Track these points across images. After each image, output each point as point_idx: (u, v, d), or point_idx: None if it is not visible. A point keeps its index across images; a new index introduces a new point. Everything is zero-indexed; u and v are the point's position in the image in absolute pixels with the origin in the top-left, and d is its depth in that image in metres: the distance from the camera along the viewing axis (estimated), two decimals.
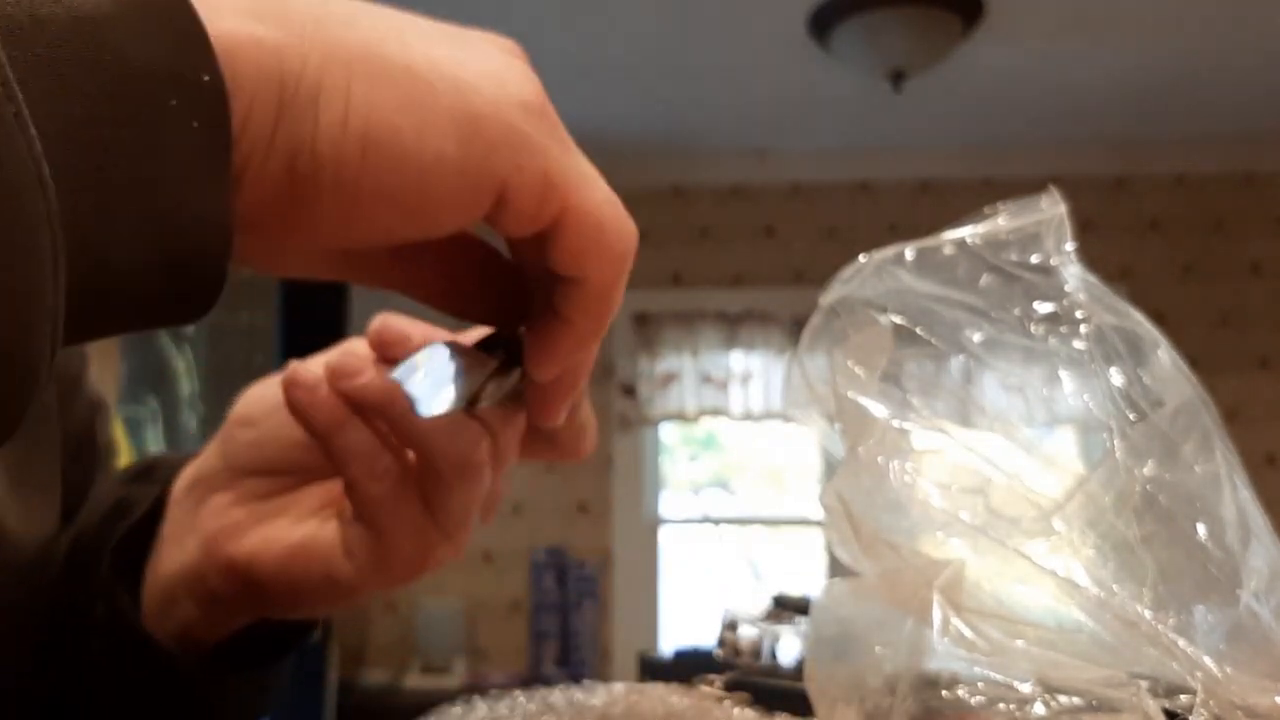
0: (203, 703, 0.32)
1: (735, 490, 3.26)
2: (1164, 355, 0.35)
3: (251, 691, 0.33)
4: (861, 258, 0.33)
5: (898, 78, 2.31)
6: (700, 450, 3.30)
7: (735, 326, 2.94)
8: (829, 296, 0.32)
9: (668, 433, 3.06)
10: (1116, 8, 2.27)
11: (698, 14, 2.30)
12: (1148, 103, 2.71)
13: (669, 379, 2.93)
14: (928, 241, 0.32)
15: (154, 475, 0.34)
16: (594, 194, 0.23)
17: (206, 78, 0.17)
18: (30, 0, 0.16)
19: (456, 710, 0.40)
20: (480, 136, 0.21)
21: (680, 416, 2.91)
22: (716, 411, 2.89)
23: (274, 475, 0.30)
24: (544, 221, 0.22)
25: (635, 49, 2.46)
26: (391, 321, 0.28)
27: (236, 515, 0.30)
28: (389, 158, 0.20)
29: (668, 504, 3.06)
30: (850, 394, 0.29)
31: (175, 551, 0.31)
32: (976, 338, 0.33)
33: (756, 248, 3.05)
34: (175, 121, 0.17)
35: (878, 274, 0.32)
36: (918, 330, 0.31)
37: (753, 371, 2.90)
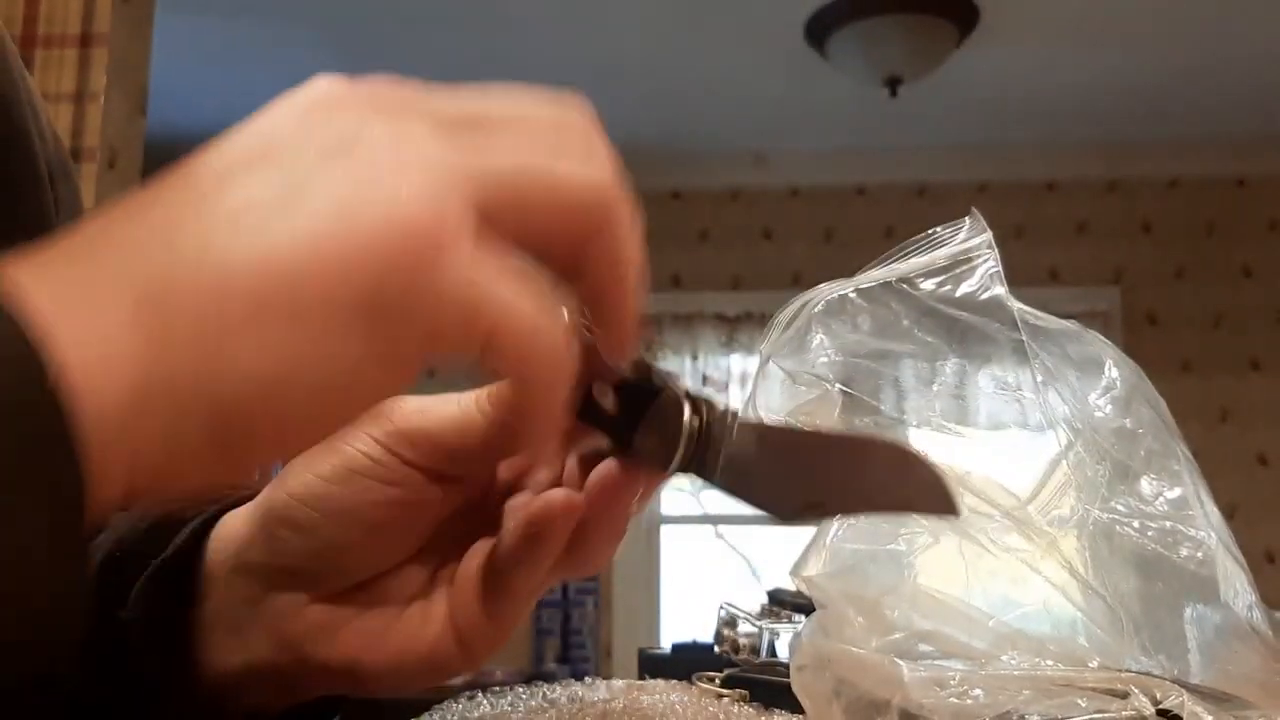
0: None
1: None
2: (1113, 370, 0.36)
3: None
4: (799, 299, 0.34)
5: (894, 83, 2.35)
6: None
7: (734, 328, 2.98)
8: (769, 345, 0.34)
9: None
10: (1109, 14, 2.31)
11: (697, 21, 2.33)
12: (1140, 107, 2.75)
13: None
14: (863, 281, 0.34)
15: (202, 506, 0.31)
16: (517, 313, 0.20)
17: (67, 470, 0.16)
18: None
19: (460, 705, 0.41)
20: (384, 318, 0.18)
21: None
22: None
23: (335, 579, 0.27)
24: (474, 350, 0.20)
25: (635, 55, 2.49)
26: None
27: (317, 618, 0.27)
28: (303, 397, 0.18)
29: (667, 503, 3.10)
30: None
31: (237, 645, 0.28)
32: (915, 398, 0.34)
33: (755, 250, 3.09)
34: (25, 515, 0.16)
35: (812, 325, 0.33)
36: (864, 396, 0.33)
37: (752, 373, 2.93)
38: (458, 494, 0.28)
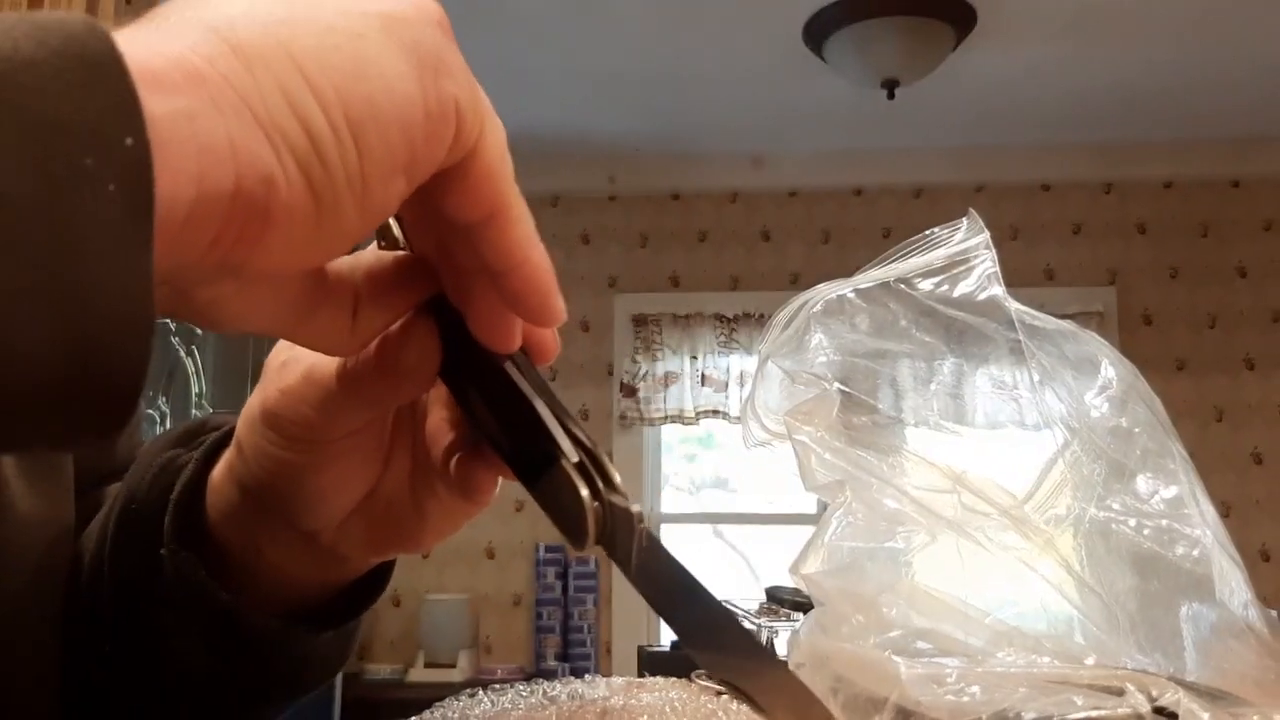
0: (288, 661, 0.33)
1: (734, 489, 3.31)
2: (1109, 370, 0.36)
3: (332, 649, 0.34)
4: (797, 299, 0.35)
5: (891, 85, 2.35)
6: (699, 449, 3.35)
7: (733, 328, 2.98)
8: (768, 344, 0.34)
9: (667, 432, 3.10)
10: (1106, 17, 2.32)
11: (696, 24, 2.34)
12: (1136, 109, 2.76)
13: (668, 380, 2.97)
14: (861, 281, 0.34)
15: (202, 437, 0.33)
16: (496, 123, 0.22)
17: (129, 140, 0.16)
18: None
19: (460, 703, 0.41)
20: (426, 66, 0.20)
21: (680, 418, 2.95)
22: (715, 412, 2.93)
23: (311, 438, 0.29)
24: (466, 150, 0.21)
25: (634, 58, 2.49)
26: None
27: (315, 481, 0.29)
28: (374, 129, 0.19)
29: (667, 502, 3.11)
30: (811, 456, 0.32)
31: (264, 539, 0.31)
32: (913, 400, 0.35)
33: (753, 251, 3.10)
34: (90, 183, 0.15)
35: (811, 325, 0.34)
36: (862, 396, 0.33)
37: (751, 373, 2.93)
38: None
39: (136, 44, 0.17)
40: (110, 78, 0.16)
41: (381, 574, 0.35)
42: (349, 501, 0.30)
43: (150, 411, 2.07)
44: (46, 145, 0.15)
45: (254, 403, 0.29)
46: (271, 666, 0.33)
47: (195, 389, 2.26)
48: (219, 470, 0.31)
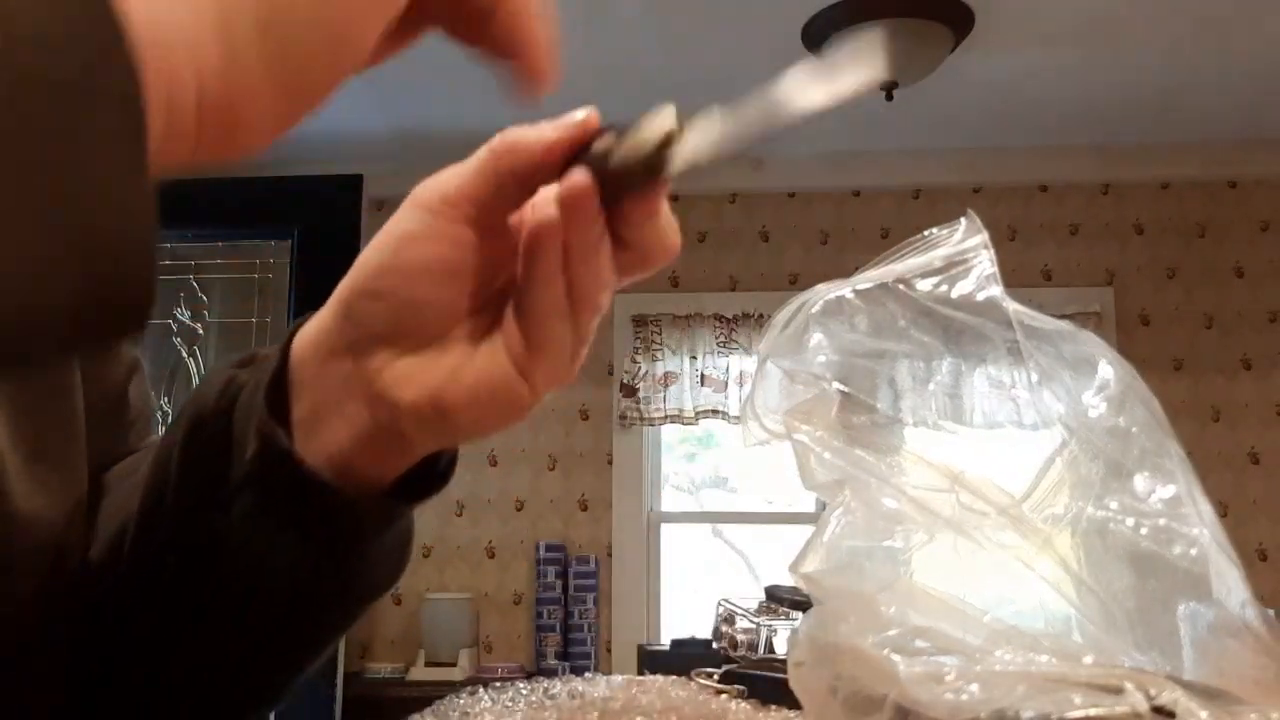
0: (362, 552, 0.33)
1: (733, 488, 3.31)
2: (1107, 370, 0.36)
3: (395, 548, 0.35)
4: (797, 300, 0.35)
5: (890, 87, 2.35)
6: (699, 449, 3.35)
7: (732, 328, 2.98)
8: (768, 344, 0.34)
9: (667, 432, 3.11)
10: (1103, 20, 2.33)
11: (696, 25, 2.34)
12: (1133, 110, 2.76)
13: (668, 380, 2.97)
14: (860, 281, 0.35)
15: (260, 362, 0.34)
16: None
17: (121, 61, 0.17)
18: None
19: (462, 701, 0.42)
20: None
21: (679, 418, 2.95)
22: (715, 412, 2.93)
23: (415, 335, 0.31)
24: None
25: (633, 59, 2.50)
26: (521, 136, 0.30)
27: (404, 368, 0.31)
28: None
29: (667, 501, 3.11)
30: (809, 454, 0.32)
31: (341, 423, 0.32)
32: (912, 399, 0.35)
33: (753, 252, 3.10)
34: (86, 107, 0.16)
35: (810, 325, 0.34)
36: (861, 395, 0.34)
37: (750, 374, 2.94)
38: (494, 242, 0.31)
39: None
40: (108, 34, 0.17)
41: (433, 470, 0.35)
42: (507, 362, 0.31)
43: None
44: (56, 104, 0.16)
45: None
46: (348, 554, 0.33)
47: None
48: (302, 347, 0.33)
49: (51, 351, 0.18)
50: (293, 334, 0.33)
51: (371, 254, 0.31)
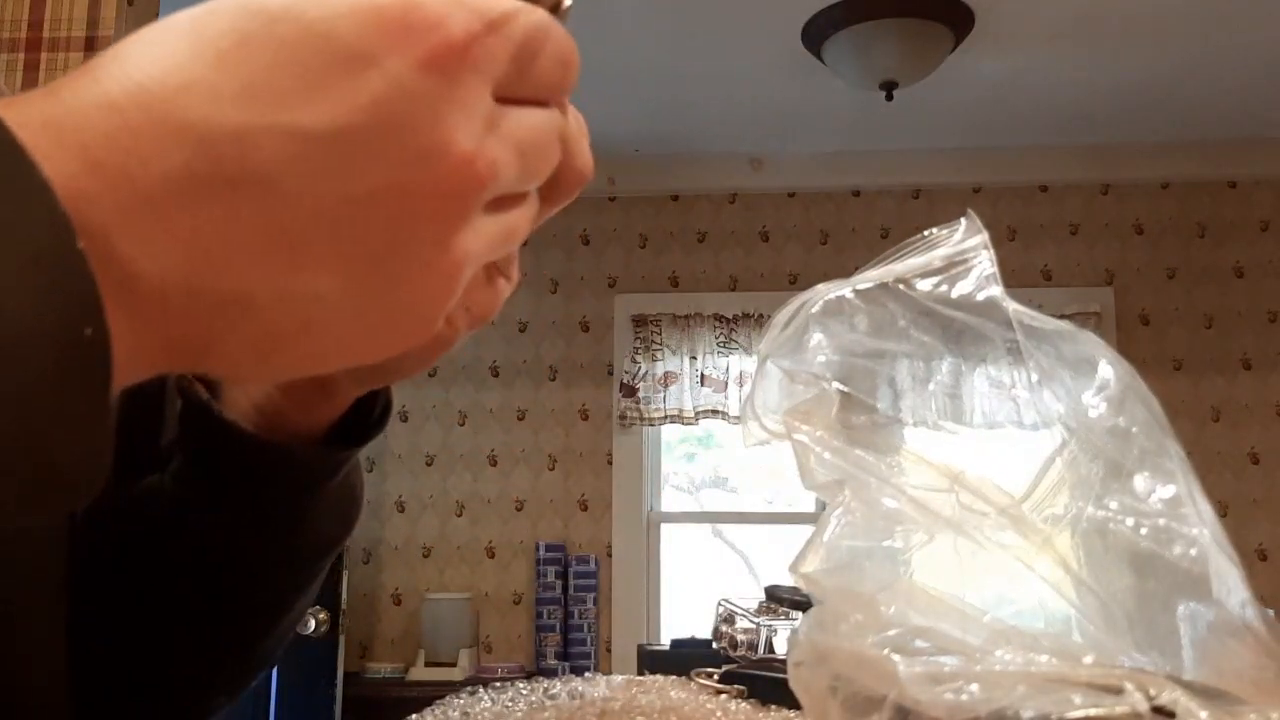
0: (307, 484, 0.32)
1: (733, 488, 3.31)
2: (1107, 370, 0.36)
3: (353, 478, 0.34)
4: (797, 300, 0.35)
5: (890, 87, 2.36)
6: (699, 449, 3.35)
7: (732, 328, 2.99)
8: (767, 344, 0.34)
9: (667, 432, 3.11)
10: (1103, 20, 2.33)
11: (695, 26, 2.34)
12: (1133, 110, 2.76)
13: (668, 380, 2.97)
14: (860, 281, 0.34)
15: None
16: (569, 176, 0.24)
17: (89, 331, 0.17)
18: None
19: (461, 700, 0.42)
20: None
21: (679, 418, 2.96)
22: (715, 412, 2.94)
23: None
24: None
25: (634, 60, 2.50)
26: None
27: None
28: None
29: (667, 501, 3.11)
30: (809, 454, 0.32)
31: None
32: (911, 399, 0.35)
33: (752, 252, 3.10)
34: (53, 372, 0.17)
35: (810, 325, 0.34)
36: (861, 395, 0.34)
37: (750, 374, 2.94)
38: None
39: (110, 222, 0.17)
40: (72, 278, 0.17)
41: (368, 418, 0.34)
42: None
43: None
44: (14, 351, 0.16)
45: None
46: (288, 505, 0.33)
47: None
48: None
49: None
50: None
51: None
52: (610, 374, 3.02)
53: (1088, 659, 0.31)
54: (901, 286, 0.35)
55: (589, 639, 2.86)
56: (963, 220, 0.36)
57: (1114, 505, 0.35)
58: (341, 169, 0.19)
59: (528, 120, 0.22)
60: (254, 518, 0.33)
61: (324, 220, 0.19)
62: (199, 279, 0.19)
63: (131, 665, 0.35)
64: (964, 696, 0.27)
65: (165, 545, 0.33)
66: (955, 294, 0.35)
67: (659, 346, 2.98)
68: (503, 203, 0.22)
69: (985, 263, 0.35)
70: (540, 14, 0.23)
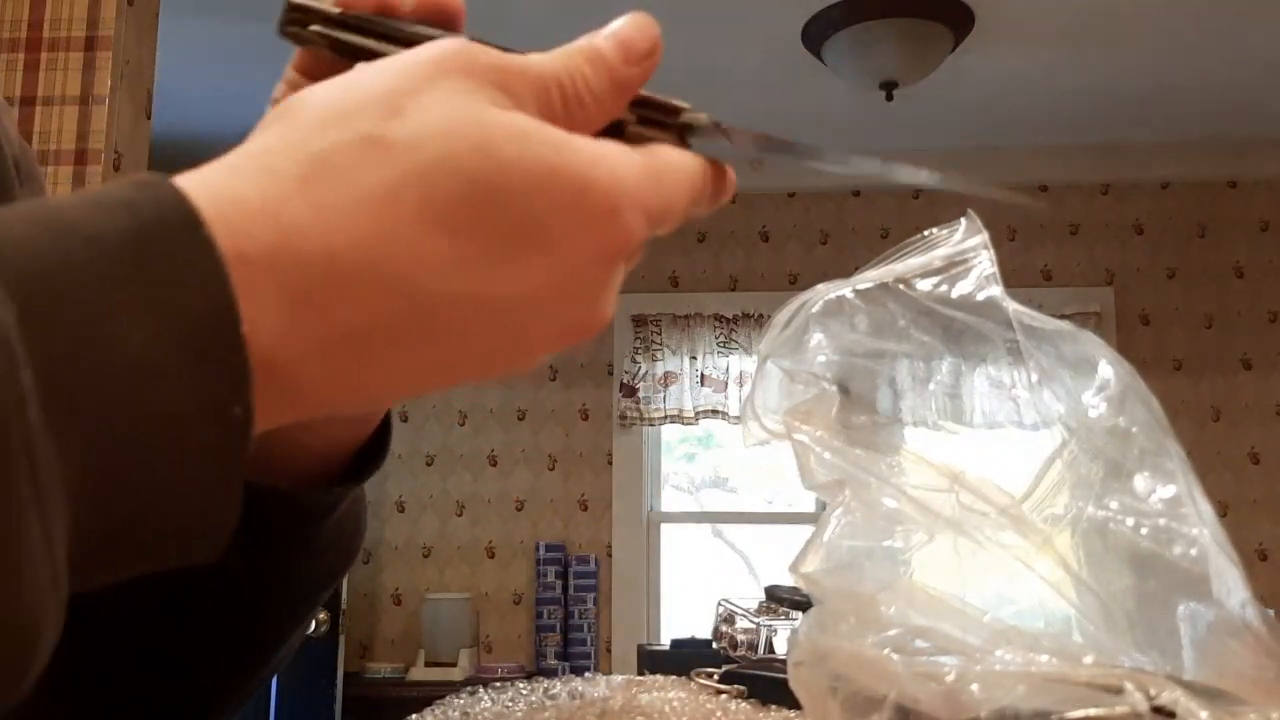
0: (297, 544, 0.32)
1: (733, 488, 3.31)
2: (1107, 370, 0.36)
3: (355, 510, 0.34)
4: (797, 300, 0.35)
5: (890, 87, 2.36)
6: (699, 449, 3.35)
7: (732, 328, 2.99)
8: (768, 344, 0.34)
9: (667, 432, 3.11)
10: (1103, 20, 2.33)
11: (695, 25, 2.34)
12: (1134, 111, 2.76)
13: (668, 380, 2.98)
14: (860, 281, 0.34)
15: None
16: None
17: (237, 410, 0.18)
18: (78, 333, 0.16)
19: (462, 700, 0.42)
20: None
21: (679, 418, 2.96)
22: (715, 412, 2.94)
23: None
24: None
25: None
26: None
27: None
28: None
29: (667, 501, 3.11)
30: (810, 454, 0.32)
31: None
32: (912, 400, 0.35)
33: (752, 252, 3.10)
34: (195, 451, 0.18)
35: (810, 325, 0.34)
36: (860, 395, 0.34)
37: (750, 373, 2.94)
38: None
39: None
40: (224, 354, 0.18)
41: (364, 463, 0.34)
42: None
43: None
44: (164, 431, 0.18)
45: None
46: (277, 547, 0.32)
47: None
48: None
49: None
50: None
51: None
52: (610, 374, 3.02)
53: (1088, 659, 0.31)
54: (901, 286, 0.35)
55: (589, 639, 2.86)
56: (963, 220, 0.36)
57: (1114, 505, 0.35)
58: (512, 326, 0.22)
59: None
60: (252, 561, 0.32)
61: (480, 356, 0.22)
62: (347, 403, 0.21)
63: (128, 701, 0.34)
64: (964, 696, 0.27)
65: (159, 587, 0.33)
66: (955, 294, 0.35)
67: (659, 346, 2.98)
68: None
69: (985, 263, 0.35)
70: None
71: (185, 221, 0.18)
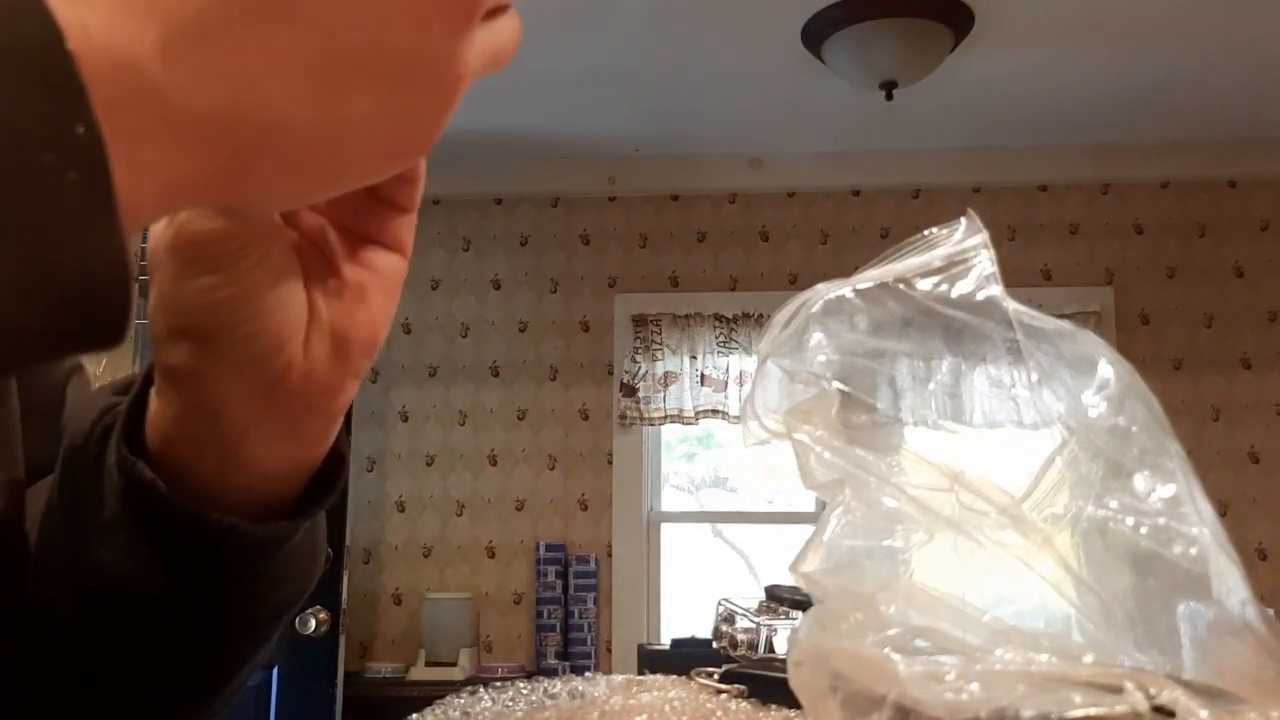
0: (244, 575, 0.32)
1: (733, 488, 3.31)
2: (1106, 369, 0.36)
3: (290, 567, 0.33)
4: (796, 299, 0.35)
5: (890, 87, 2.36)
6: (699, 449, 3.35)
7: (732, 328, 2.99)
8: (767, 344, 0.34)
9: (667, 432, 3.11)
10: (1102, 19, 2.33)
11: (695, 25, 2.34)
12: (1132, 110, 2.77)
13: (668, 380, 2.98)
14: (860, 280, 0.34)
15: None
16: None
17: (81, 129, 0.17)
18: None
19: (462, 700, 0.42)
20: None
21: (679, 418, 2.96)
22: (715, 412, 2.94)
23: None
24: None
25: (634, 60, 2.50)
26: None
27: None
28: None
29: (667, 501, 3.11)
30: (810, 455, 0.32)
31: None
32: (911, 399, 0.35)
33: (752, 252, 3.10)
34: (52, 176, 0.17)
35: (810, 325, 0.34)
36: (861, 395, 0.34)
37: (750, 373, 2.94)
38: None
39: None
40: (56, 74, 0.17)
41: (320, 489, 0.33)
42: (300, 311, 0.29)
43: None
44: (11, 153, 0.16)
45: (159, 248, 0.28)
46: (226, 580, 0.32)
47: None
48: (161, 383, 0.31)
49: (19, 362, 0.18)
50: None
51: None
52: (610, 374, 3.03)
53: (1088, 658, 0.31)
54: (901, 286, 0.35)
55: (589, 639, 2.87)
56: (963, 220, 0.36)
57: (1114, 505, 0.35)
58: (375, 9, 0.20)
59: None
60: (204, 591, 0.32)
61: (353, 44, 0.20)
62: (241, 108, 0.19)
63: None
64: (964, 696, 0.27)
65: (115, 619, 0.32)
66: (955, 294, 0.35)
67: (659, 346, 2.98)
68: (493, 14, 0.24)
69: (985, 262, 0.35)
70: None
71: None
